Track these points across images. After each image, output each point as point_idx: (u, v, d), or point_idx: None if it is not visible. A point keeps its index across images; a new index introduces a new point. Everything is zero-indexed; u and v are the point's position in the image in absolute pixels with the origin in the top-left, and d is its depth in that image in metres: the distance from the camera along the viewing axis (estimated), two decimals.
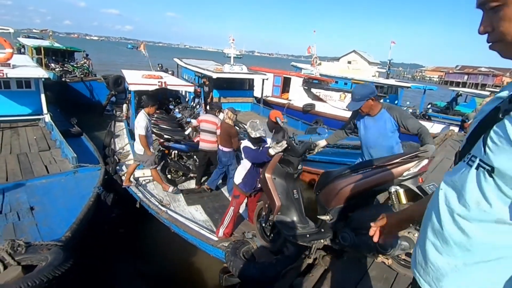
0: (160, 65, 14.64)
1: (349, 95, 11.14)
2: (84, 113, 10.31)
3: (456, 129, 8.49)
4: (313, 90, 12.12)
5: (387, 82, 13.81)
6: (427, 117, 10.35)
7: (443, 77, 63.24)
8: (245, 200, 3.49)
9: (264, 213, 3.05)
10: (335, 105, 11.37)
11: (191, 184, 5.13)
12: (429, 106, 11.90)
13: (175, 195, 4.71)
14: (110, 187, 4.58)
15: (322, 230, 2.49)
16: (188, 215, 4.07)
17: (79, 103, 11.18)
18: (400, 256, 2.35)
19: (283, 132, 3.01)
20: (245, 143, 3.24)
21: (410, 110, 10.67)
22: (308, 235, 2.54)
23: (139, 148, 4.62)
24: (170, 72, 12.07)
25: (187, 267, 4.09)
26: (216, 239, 3.27)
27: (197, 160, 5.10)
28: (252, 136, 3.15)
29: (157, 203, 4.19)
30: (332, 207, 2.38)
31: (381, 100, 12.04)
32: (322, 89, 12.06)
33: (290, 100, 12.22)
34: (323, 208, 2.43)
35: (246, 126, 3.37)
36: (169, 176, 5.02)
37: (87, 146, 6.48)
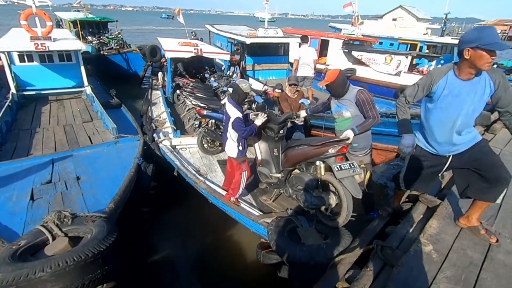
0: (194, 33, 14.30)
1: (396, 58, 10.00)
2: (122, 84, 10.57)
3: None
4: (354, 53, 11.05)
5: (442, 41, 12.16)
6: None
7: (507, 31, 55.10)
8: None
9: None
10: (380, 69, 10.31)
11: None
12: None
13: (212, 165, 4.64)
14: (148, 156, 4.64)
15: (278, 183, 3.46)
16: None
17: (118, 74, 11.43)
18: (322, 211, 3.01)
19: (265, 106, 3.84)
20: (236, 113, 3.18)
21: None
22: (272, 184, 3.55)
23: None
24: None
25: (224, 238, 4.10)
26: (257, 214, 3.14)
27: None
28: (244, 90, 3.24)
29: (194, 172, 4.14)
30: (284, 168, 3.38)
31: (434, 61, 10.70)
32: (365, 52, 10.92)
33: (328, 65, 11.34)
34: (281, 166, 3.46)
35: (236, 83, 3.36)
36: (205, 146, 4.92)
37: (126, 117, 6.60)
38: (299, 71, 7.27)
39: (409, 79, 9.73)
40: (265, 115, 3.41)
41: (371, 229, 2.53)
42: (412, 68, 10.52)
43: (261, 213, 3.16)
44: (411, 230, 2.41)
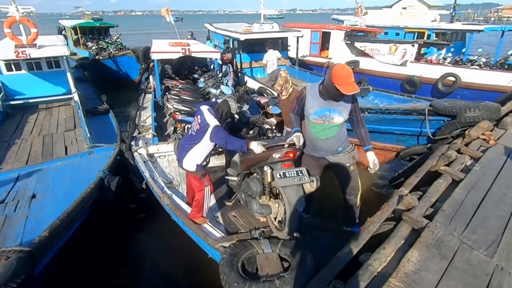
0: (190, 33, 14.08)
1: (402, 47, 9.31)
2: (119, 89, 10.41)
3: None
4: (357, 44, 10.43)
5: (451, 27, 11.28)
6: (506, 66, 8.16)
7: None
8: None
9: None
10: (384, 59, 9.65)
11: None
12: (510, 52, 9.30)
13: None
14: (118, 167, 4.30)
15: (236, 186, 3.16)
16: None
17: (112, 79, 11.29)
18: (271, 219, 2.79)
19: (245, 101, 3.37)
20: (214, 121, 2.78)
21: (484, 60, 8.55)
22: (233, 186, 3.30)
23: None
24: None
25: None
26: (218, 235, 2.73)
27: None
28: (232, 110, 2.99)
29: (163, 185, 3.76)
30: (240, 172, 3.04)
31: (444, 49, 9.92)
32: (368, 42, 10.28)
33: (330, 59, 10.78)
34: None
35: (227, 100, 3.04)
36: None
37: (111, 124, 6.35)
38: (268, 70, 8.75)
39: (416, 69, 9.05)
40: (265, 145, 2.81)
41: (341, 257, 2.06)
42: (420, 57, 9.79)
43: (223, 235, 2.75)
44: (386, 263, 1.92)
